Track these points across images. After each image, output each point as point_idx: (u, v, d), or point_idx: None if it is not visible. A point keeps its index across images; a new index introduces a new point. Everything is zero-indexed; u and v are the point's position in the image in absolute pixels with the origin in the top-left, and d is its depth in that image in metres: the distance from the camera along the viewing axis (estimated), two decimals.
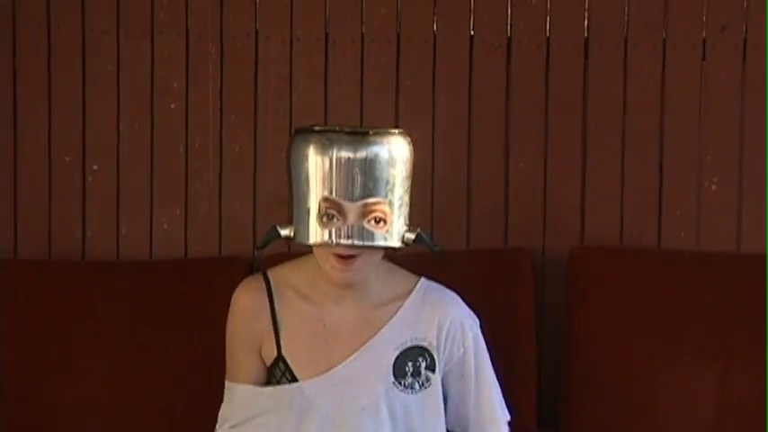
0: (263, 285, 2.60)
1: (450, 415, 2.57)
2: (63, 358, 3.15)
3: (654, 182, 3.23)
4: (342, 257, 2.46)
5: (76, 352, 3.17)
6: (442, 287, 2.62)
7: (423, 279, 2.61)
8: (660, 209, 3.24)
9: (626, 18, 3.22)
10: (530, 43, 3.24)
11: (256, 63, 3.32)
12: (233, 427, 2.61)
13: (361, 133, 2.46)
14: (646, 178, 3.23)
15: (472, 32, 3.26)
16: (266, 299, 2.58)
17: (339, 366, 2.52)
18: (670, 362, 3.04)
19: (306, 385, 2.53)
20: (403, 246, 2.49)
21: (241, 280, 3.02)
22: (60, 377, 3.13)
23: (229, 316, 2.67)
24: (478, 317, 2.65)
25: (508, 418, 2.65)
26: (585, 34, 3.23)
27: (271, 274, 2.62)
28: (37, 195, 3.40)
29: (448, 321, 2.57)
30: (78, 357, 3.16)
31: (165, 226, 3.37)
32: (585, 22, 3.23)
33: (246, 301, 2.61)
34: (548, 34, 3.24)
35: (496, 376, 2.68)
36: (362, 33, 3.28)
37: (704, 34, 3.20)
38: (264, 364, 2.59)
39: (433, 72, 3.27)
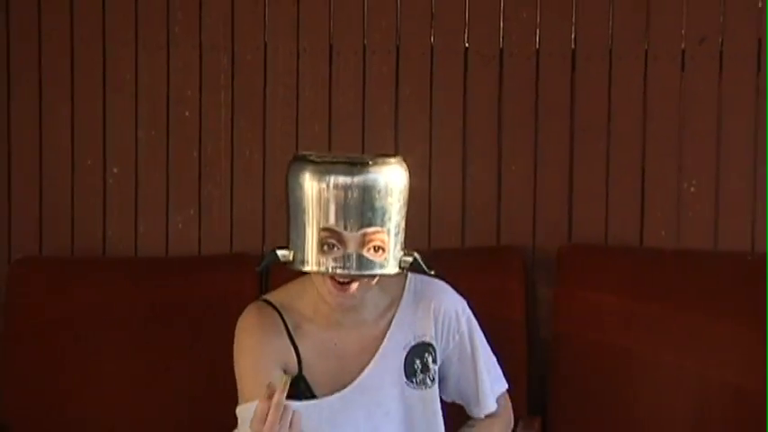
0: (271, 309, 2.52)
1: (451, 390, 2.57)
2: (84, 348, 3.19)
3: (636, 184, 3.25)
4: (339, 283, 2.40)
5: (97, 342, 3.20)
6: (429, 279, 2.56)
7: (410, 275, 2.57)
8: (642, 209, 3.26)
9: (610, 31, 3.24)
10: (521, 54, 3.26)
11: (265, 73, 3.35)
12: None
13: (358, 163, 2.38)
14: (629, 181, 3.25)
15: (467, 44, 3.29)
16: (281, 323, 2.51)
17: (356, 381, 2.48)
18: (652, 353, 3.06)
19: (329, 401, 2.49)
20: (400, 272, 2.43)
21: (251, 276, 3.12)
22: (82, 366, 3.18)
23: (242, 336, 2.54)
24: (465, 299, 2.59)
25: (506, 386, 2.65)
26: (573, 46, 3.26)
27: (272, 299, 2.56)
28: (61, 196, 3.44)
29: (442, 312, 2.55)
30: (99, 347, 3.20)
31: (180, 225, 3.40)
32: (573, 35, 3.26)
33: (260, 319, 2.52)
34: (537, 46, 3.27)
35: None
36: (364, 45, 3.31)
37: (683, 46, 3.22)
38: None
39: (430, 81, 3.30)
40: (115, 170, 3.43)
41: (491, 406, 2.62)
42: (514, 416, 2.95)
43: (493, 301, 3.00)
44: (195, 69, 3.38)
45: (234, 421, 2.57)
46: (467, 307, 2.58)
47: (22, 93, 3.46)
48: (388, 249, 2.37)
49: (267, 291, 2.91)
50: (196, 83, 3.38)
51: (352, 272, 2.36)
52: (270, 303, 2.52)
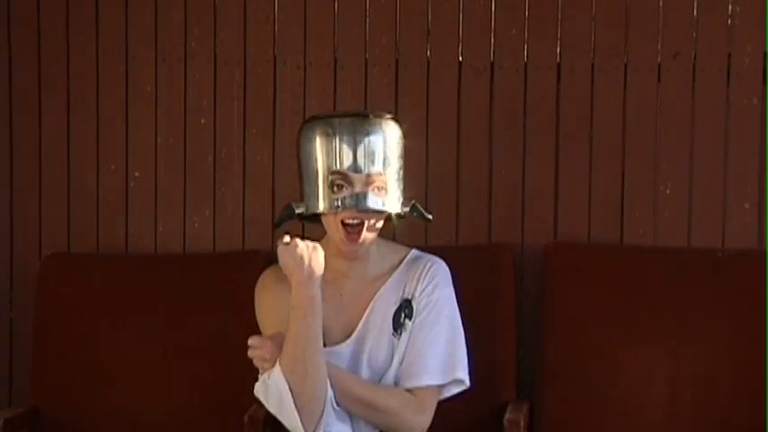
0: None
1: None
2: (109, 337, 3.23)
3: (617, 186, 3.27)
4: (350, 232, 2.51)
5: (120, 331, 3.23)
6: (429, 254, 2.68)
7: (413, 249, 2.69)
8: (622, 210, 3.27)
9: (592, 46, 3.26)
10: (510, 67, 3.29)
11: (274, 84, 3.38)
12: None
13: (360, 115, 2.53)
14: (610, 183, 3.27)
15: (460, 58, 3.31)
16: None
17: (355, 333, 2.58)
18: (630, 342, 3.09)
19: (332, 350, 2.56)
20: (400, 213, 2.54)
21: (262, 270, 2.99)
22: (106, 353, 3.21)
23: (260, 294, 2.65)
24: (457, 290, 2.64)
25: (464, 381, 2.60)
26: (558, 60, 3.27)
27: None
28: (87, 198, 3.47)
29: (426, 275, 2.62)
30: (122, 336, 3.23)
31: (197, 224, 3.44)
32: (558, 50, 3.27)
33: (274, 278, 2.62)
34: (525, 60, 3.29)
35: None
36: (366, 59, 3.34)
37: (659, 60, 3.23)
38: None
39: (426, 92, 3.33)
40: (137, 174, 3.45)
41: (428, 379, 2.55)
42: (504, 400, 3.08)
43: (485, 295, 3.03)
44: (210, 81, 3.40)
45: (249, 401, 2.65)
46: (449, 290, 2.61)
47: (52, 103, 3.47)
48: (389, 190, 2.50)
49: None
50: (211, 93, 3.41)
51: (360, 205, 2.48)
52: None
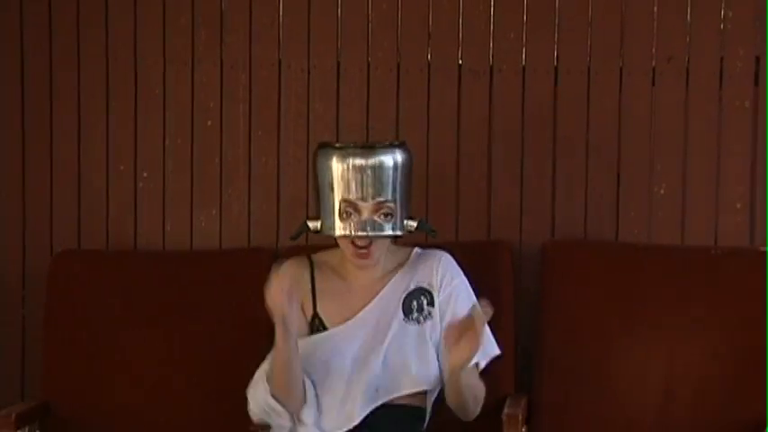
0: (307, 261, 2.82)
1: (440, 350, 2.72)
2: (118, 332, 3.23)
3: (612, 186, 3.28)
4: (359, 247, 2.66)
5: (129, 327, 3.24)
6: (432, 249, 2.84)
7: (416, 248, 2.84)
8: (618, 209, 3.28)
9: (589, 50, 3.27)
10: (509, 70, 3.30)
11: (279, 87, 3.39)
12: None
13: (370, 147, 2.68)
14: (606, 183, 3.28)
15: (460, 61, 3.32)
16: (308, 271, 2.79)
17: (360, 313, 2.74)
18: (626, 338, 3.10)
19: (334, 331, 2.72)
20: (407, 233, 2.69)
21: (267, 268, 2.93)
22: (116, 349, 3.22)
23: (276, 274, 2.67)
24: (466, 274, 2.77)
25: (496, 352, 2.75)
26: (555, 63, 3.28)
27: (313, 256, 2.84)
28: (97, 197, 3.47)
29: (440, 266, 2.77)
30: (131, 331, 3.24)
31: (203, 223, 3.44)
32: (555, 53, 3.28)
33: (292, 269, 2.76)
34: (524, 63, 3.30)
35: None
36: (368, 62, 3.35)
37: (654, 64, 3.24)
38: (306, 318, 2.76)
39: (427, 94, 3.34)
40: (145, 174, 3.45)
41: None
42: (503, 394, 3.05)
43: (484, 291, 2.87)
44: (217, 84, 3.41)
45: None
46: (461, 276, 2.75)
47: (63, 106, 3.47)
48: (396, 215, 2.65)
49: None
50: (217, 96, 3.41)
51: (368, 233, 2.66)
52: (309, 258, 2.83)
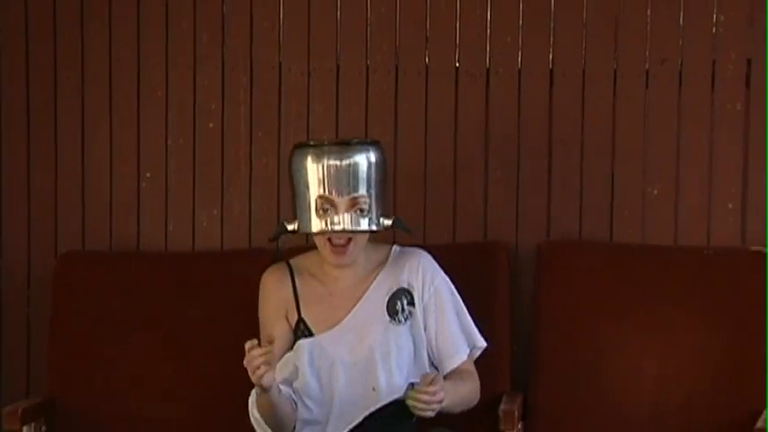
0: (286, 269, 2.80)
1: (431, 337, 2.77)
2: (121, 331, 3.25)
3: (607, 187, 3.29)
4: (335, 246, 2.67)
5: (132, 325, 3.26)
6: (410, 247, 2.82)
7: (395, 245, 2.83)
8: (612, 209, 3.29)
9: (583, 52, 3.28)
10: (505, 73, 3.31)
11: (280, 90, 3.40)
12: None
13: (345, 143, 2.70)
14: (600, 184, 3.29)
15: (457, 64, 3.33)
16: (288, 277, 2.79)
17: (345, 319, 2.73)
18: (619, 336, 3.11)
19: (321, 338, 2.72)
20: (382, 229, 2.70)
21: (267, 267, 3.00)
22: (119, 347, 3.23)
23: (260, 292, 2.82)
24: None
25: (483, 344, 2.82)
26: (550, 66, 3.30)
27: (291, 261, 2.83)
28: (100, 198, 3.48)
29: (420, 266, 2.79)
30: (133, 330, 3.25)
31: (205, 223, 3.45)
32: (550, 56, 3.29)
33: (273, 278, 2.81)
34: (519, 66, 3.31)
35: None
36: (367, 65, 3.36)
37: (647, 66, 3.25)
38: (291, 327, 2.77)
39: (425, 96, 3.35)
40: (148, 175, 3.46)
41: (462, 355, 2.75)
42: (499, 391, 3.06)
43: (481, 291, 3.05)
44: (218, 86, 3.42)
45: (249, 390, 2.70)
46: (441, 273, 2.78)
47: (67, 108, 3.48)
48: (372, 211, 2.66)
49: None
50: (219, 98, 3.42)
51: (345, 227, 2.64)
52: (288, 263, 2.84)
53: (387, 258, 2.80)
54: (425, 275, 2.77)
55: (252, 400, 2.69)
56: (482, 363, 2.88)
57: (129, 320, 3.27)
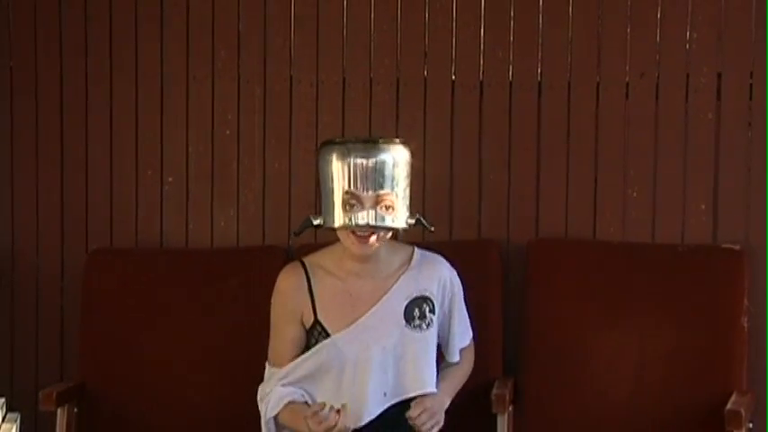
0: (301, 269, 2.77)
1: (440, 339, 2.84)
2: (146, 321, 3.34)
3: (590, 190, 3.35)
4: (358, 236, 2.63)
5: (156, 316, 3.34)
6: (431, 252, 2.84)
7: (416, 248, 2.81)
8: (595, 210, 3.35)
9: (569, 66, 3.33)
10: (497, 85, 3.37)
11: (291, 100, 3.46)
12: (282, 378, 2.74)
13: (372, 141, 2.66)
14: (584, 187, 3.35)
15: (454, 77, 3.38)
16: (304, 278, 2.74)
17: (362, 318, 2.70)
18: (601, 326, 3.19)
19: (337, 337, 2.69)
20: (406, 227, 2.65)
21: (280, 264, 3.07)
22: (144, 336, 3.33)
23: (274, 295, 2.79)
24: (465, 277, 2.86)
25: (470, 340, 2.90)
26: (539, 78, 3.35)
27: (306, 260, 2.80)
28: (127, 199, 3.55)
29: (443, 278, 2.79)
30: (157, 320, 3.34)
31: (222, 223, 3.51)
32: (539, 69, 3.34)
33: (288, 282, 2.77)
34: (510, 78, 3.36)
35: (474, 336, 2.94)
36: (371, 78, 3.42)
37: (627, 79, 3.30)
38: (305, 328, 2.74)
39: (424, 107, 3.41)
40: (170, 179, 3.53)
41: (455, 357, 2.86)
42: (492, 377, 3.13)
43: (475, 285, 3.03)
44: (234, 97, 3.48)
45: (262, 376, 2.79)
46: (456, 275, 2.80)
47: (97, 117, 3.55)
48: (397, 208, 2.62)
49: None
50: (235, 108, 3.48)
51: (370, 222, 2.60)
52: (302, 262, 2.78)
53: (409, 261, 2.76)
54: (446, 285, 2.77)
55: (265, 411, 2.69)
56: (477, 350, 2.95)
57: (152, 312, 3.34)
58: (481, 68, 3.39)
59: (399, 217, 2.64)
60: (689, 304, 3.18)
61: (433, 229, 2.70)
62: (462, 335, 2.86)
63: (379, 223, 2.61)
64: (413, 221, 2.67)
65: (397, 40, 3.42)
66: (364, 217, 2.61)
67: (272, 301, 2.77)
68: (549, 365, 3.22)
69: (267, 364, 2.78)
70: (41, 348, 3.60)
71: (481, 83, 3.39)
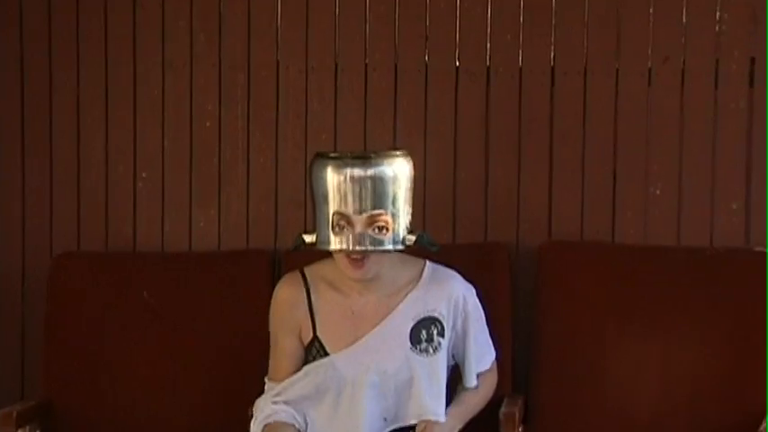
0: (301, 280, 2.70)
1: (449, 356, 2.73)
2: (117, 332, 3.25)
3: (609, 187, 3.30)
4: (352, 260, 2.57)
5: (127, 327, 3.25)
6: (444, 267, 2.73)
7: (427, 262, 2.71)
8: (614, 209, 3.30)
9: (585, 51, 3.29)
10: (505, 72, 3.32)
11: (277, 88, 3.40)
12: (276, 395, 2.68)
13: (367, 157, 2.58)
14: (602, 184, 3.30)
15: (457, 63, 3.34)
16: (303, 291, 2.68)
17: (364, 338, 2.62)
18: (621, 338, 3.12)
19: (336, 357, 2.62)
20: (404, 248, 2.59)
21: (265, 269, 3.15)
22: (114, 348, 3.24)
23: (272, 305, 2.73)
24: (474, 286, 2.76)
25: (490, 363, 2.85)
26: (552, 64, 3.31)
27: (306, 270, 2.73)
28: (96, 198, 3.48)
29: (454, 295, 2.70)
30: (129, 332, 3.25)
31: (202, 224, 3.45)
32: (552, 54, 3.30)
33: (287, 294, 2.71)
34: (520, 64, 3.32)
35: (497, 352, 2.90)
36: (366, 64, 3.37)
37: (650, 64, 3.26)
38: (303, 344, 2.69)
39: (425, 95, 3.35)
40: (144, 175, 3.46)
41: (471, 382, 2.75)
42: (500, 394, 3.01)
43: (482, 292, 2.95)
44: (215, 85, 3.42)
45: (250, 389, 2.75)
46: (473, 294, 2.74)
47: (62, 107, 3.48)
48: (392, 229, 2.55)
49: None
50: (216, 97, 3.42)
51: (359, 248, 2.53)
52: (302, 273, 2.70)
53: (419, 276, 2.71)
54: (457, 304, 2.71)
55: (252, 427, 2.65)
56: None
57: (125, 322, 3.26)
58: (488, 53, 3.35)
59: (395, 237, 2.58)
60: (719, 315, 3.10)
61: (435, 249, 2.64)
62: (481, 358, 2.79)
63: (374, 246, 2.56)
64: (413, 239, 2.60)
65: (396, 21, 3.37)
66: (357, 240, 2.57)
67: (270, 310, 2.75)
68: (563, 382, 3.16)
69: (267, 378, 2.75)
70: (0, 364, 3.53)
71: (488, 69, 3.35)
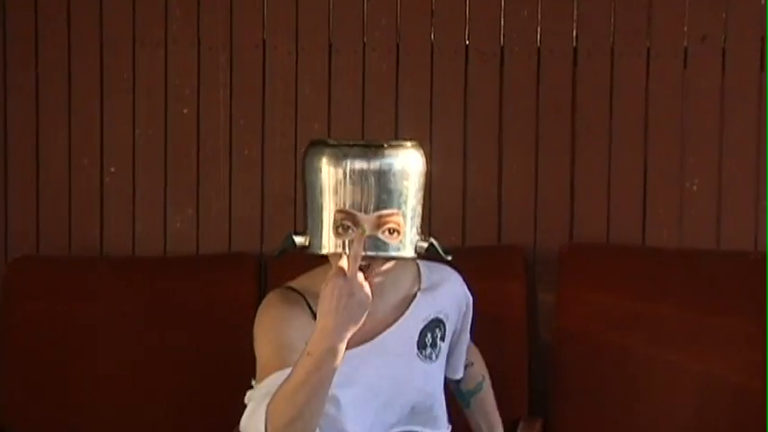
0: (294, 292, 2.54)
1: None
2: (81, 347, 3.18)
3: (639, 182, 3.24)
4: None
5: (94, 341, 3.19)
6: (440, 265, 2.60)
7: (419, 262, 2.56)
8: (645, 208, 3.25)
9: (612, 28, 3.23)
10: (522, 52, 3.26)
11: (264, 71, 3.34)
12: (266, 395, 2.52)
13: (375, 146, 2.40)
14: (631, 179, 3.25)
15: (467, 42, 3.28)
16: (303, 301, 2.51)
17: (378, 337, 2.47)
18: (654, 353, 3.05)
19: (350, 353, 2.43)
20: (415, 256, 2.44)
21: (249, 275, 3.08)
22: (79, 365, 3.16)
23: (267, 313, 2.53)
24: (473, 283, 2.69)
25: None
26: (574, 43, 3.25)
27: (295, 285, 2.57)
28: (58, 196, 3.43)
29: (458, 297, 2.63)
30: (96, 346, 3.19)
31: (178, 224, 3.40)
32: (574, 32, 3.25)
33: (284, 299, 2.52)
34: (539, 44, 3.26)
35: (491, 365, 2.75)
36: (364, 43, 3.31)
37: (686, 43, 3.22)
38: None
39: (430, 79, 3.29)
40: (112, 169, 3.43)
41: (459, 374, 2.72)
42: (515, 417, 2.98)
43: (494, 301, 3.00)
44: (193, 67, 3.37)
45: (234, 412, 2.45)
46: (466, 287, 2.63)
47: (19, 91, 3.45)
48: (404, 232, 2.34)
49: (266, 289, 2.88)
50: (194, 81, 3.38)
51: (368, 252, 2.31)
52: (293, 289, 2.50)
53: (418, 276, 2.58)
54: (461, 305, 2.61)
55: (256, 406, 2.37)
56: (495, 383, 2.77)
57: (91, 335, 3.21)
58: (502, 31, 3.28)
59: (407, 242, 2.36)
60: (764, 327, 2.98)
61: (449, 258, 2.44)
62: (468, 349, 2.74)
63: (381, 252, 2.33)
64: (425, 246, 2.39)
65: None
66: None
67: (264, 318, 2.50)
68: (586, 403, 3.09)
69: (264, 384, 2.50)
70: None
71: (502, 49, 3.28)
